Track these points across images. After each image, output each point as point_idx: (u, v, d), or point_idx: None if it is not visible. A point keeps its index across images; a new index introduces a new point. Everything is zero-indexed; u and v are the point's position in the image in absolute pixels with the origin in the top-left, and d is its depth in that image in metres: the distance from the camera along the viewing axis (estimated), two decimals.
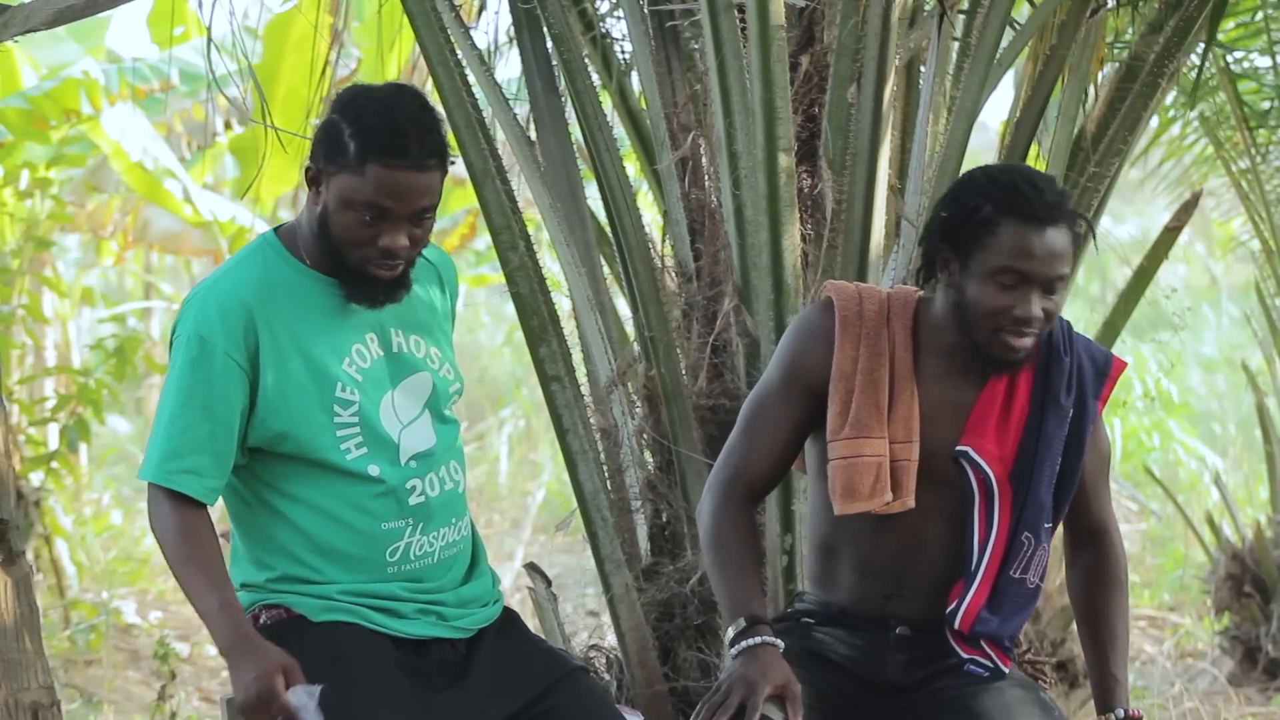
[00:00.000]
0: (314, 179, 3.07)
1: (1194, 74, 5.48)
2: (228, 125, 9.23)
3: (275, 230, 3.20)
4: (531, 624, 3.35)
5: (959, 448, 3.17)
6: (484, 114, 4.21)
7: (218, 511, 3.24)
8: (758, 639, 3.06)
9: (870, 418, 3.19)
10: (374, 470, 3.10)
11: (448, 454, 3.21)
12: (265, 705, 2.88)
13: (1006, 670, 3.24)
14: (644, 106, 4.57)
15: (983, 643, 3.21)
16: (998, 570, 3.19)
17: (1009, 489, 3.18)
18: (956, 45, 4.44)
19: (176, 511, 3.04)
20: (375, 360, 3.14)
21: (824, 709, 3.18)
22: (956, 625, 3.18)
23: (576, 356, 4.31)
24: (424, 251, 3.23)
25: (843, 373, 3.22)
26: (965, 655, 3.21)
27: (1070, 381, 3.21)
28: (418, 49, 4.33)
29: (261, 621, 3.13)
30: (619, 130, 4.61)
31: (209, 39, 4.36)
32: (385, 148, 2.99)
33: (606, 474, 4.27)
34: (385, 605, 3.11)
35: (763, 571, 3.33)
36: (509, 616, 3.27)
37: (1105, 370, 3.24)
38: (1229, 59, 6.75)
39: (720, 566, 3.18)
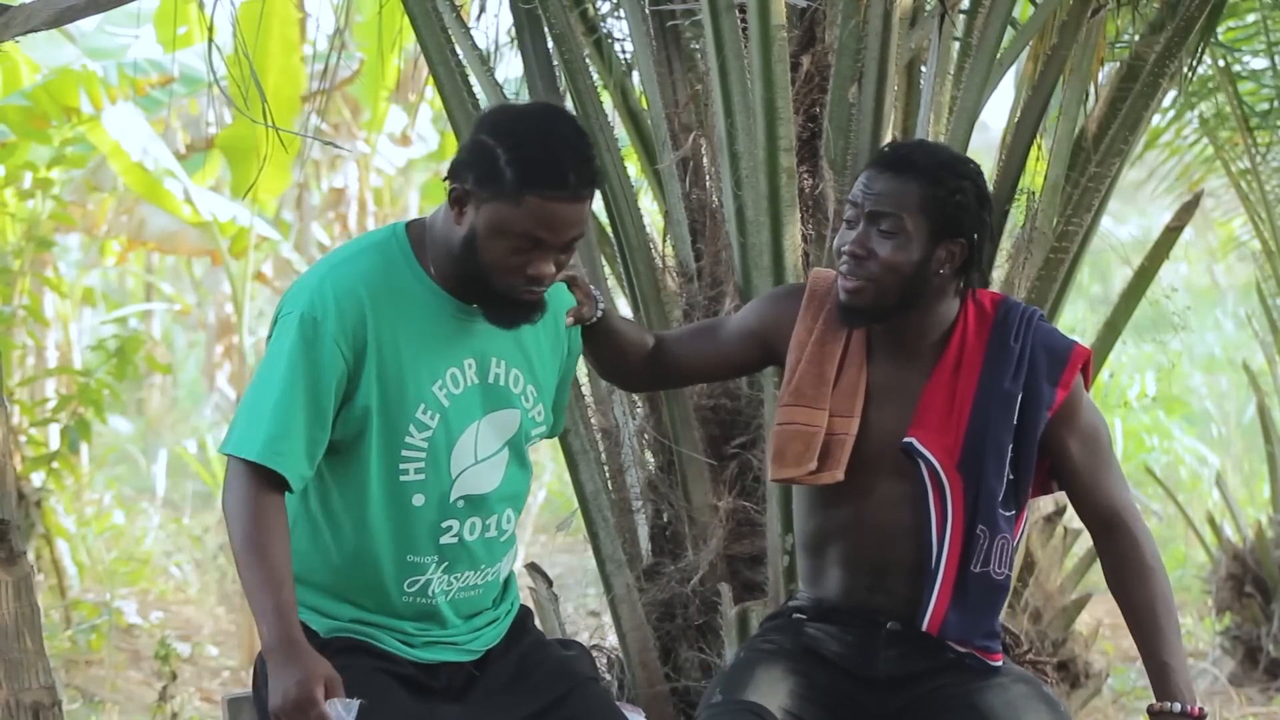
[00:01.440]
0: (459, 199, 2.97)
1: (1193, 75, 5.47)
2: (217, 123, 9.22)
3: (406, 226, 3.10)
4: None
5: (905, 439, 3.20)
6: None
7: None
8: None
9: (811, 387, 3.26)
10: (418, 500, 3.05)
11: (505, 502, 3.14)
12: (302, 712, 2.82)
13: (998, 665, 3.24)
14: (645, 106, 4.57)
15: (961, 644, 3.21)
16: (958, 566, 3.19)
17: (959, 479, 3.19)
18: (957, 45, 4.44)
19: (260, 493, 2.93)
20: (468, 388, 3.06)
21: (821, 704, 3.20)
22: (925, 628, 3.19)
23: None
24: None
25: (798, 342, 3.30)
26: (962, 650, 3.22)
27: (1018, 367, 3.20)
28: (418, 48, 4.33)
29: None
30: (620, 130, 4.61)
31: (210, 37, 4.36)
32: (546, 180, 2.90)
33: (607, 474, 4.28)
34: (396, 637, 3.10)
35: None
36: (521, 621, 3.25)
37: (1064, 357, 3.22)
38: (1228, 59, 6.76)
39: None
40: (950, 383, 3.22)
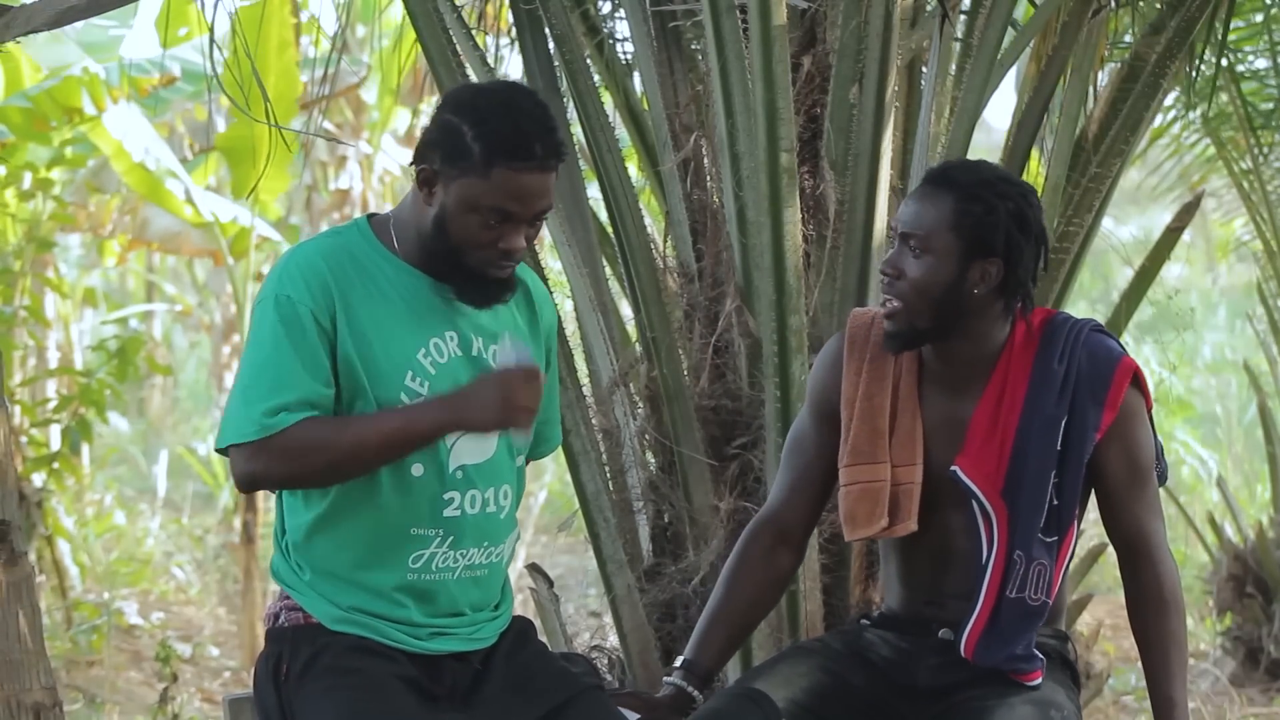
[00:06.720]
0: (428, 180, 3.02)
1: (1195, 75, 5.47)
2: (214, 126, 9.22)
3: (368, 218, 3.15)
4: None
5: (952, 468, 3.19)
6: None
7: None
8: (671, 684, 3.30)
9: (867, 443, 3.25)
10: (417, 470, 3.06)
11: (500, 476, 3.14)
12: (517, 380, 2.98)
13: (1033, 685, 3.20)
14: (646, 107, 4.57)
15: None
16: (997, 592, 3.18)
17: (1003, 506, 3.17)
18: (958, 46, 4.44)
19: (297, 428, 2.96)
20: (453, 359, 3.08)
21: (846, 704, 3.22)
22: (962, 653, 3.19)
23: (579, 357, 4.31)
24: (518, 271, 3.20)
25: (848, 399, 3.29)
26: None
27: (1063, 389, 3.16)
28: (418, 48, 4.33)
29: (280, 622, 3.13)
30: (621, 131, 4.61)
31: (210, 36, 4.36)
32: (512, 151, 2.95)
33: (608, 474, 4.27)
34: (402, 630, 3.10)
35: (739, 619, 3.37)
36: (523, 630, 3.24)
37: (1109, 375, 3.16)
38: (1230, 59, 6.75)
39: (708, 604, 3.38)
40: (995, 409, 3.18)
